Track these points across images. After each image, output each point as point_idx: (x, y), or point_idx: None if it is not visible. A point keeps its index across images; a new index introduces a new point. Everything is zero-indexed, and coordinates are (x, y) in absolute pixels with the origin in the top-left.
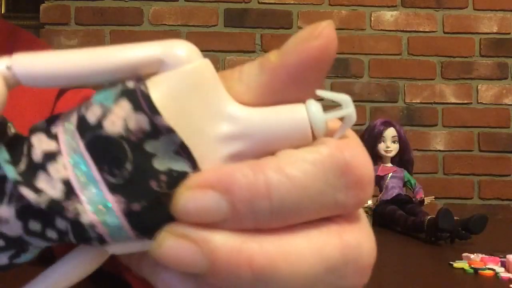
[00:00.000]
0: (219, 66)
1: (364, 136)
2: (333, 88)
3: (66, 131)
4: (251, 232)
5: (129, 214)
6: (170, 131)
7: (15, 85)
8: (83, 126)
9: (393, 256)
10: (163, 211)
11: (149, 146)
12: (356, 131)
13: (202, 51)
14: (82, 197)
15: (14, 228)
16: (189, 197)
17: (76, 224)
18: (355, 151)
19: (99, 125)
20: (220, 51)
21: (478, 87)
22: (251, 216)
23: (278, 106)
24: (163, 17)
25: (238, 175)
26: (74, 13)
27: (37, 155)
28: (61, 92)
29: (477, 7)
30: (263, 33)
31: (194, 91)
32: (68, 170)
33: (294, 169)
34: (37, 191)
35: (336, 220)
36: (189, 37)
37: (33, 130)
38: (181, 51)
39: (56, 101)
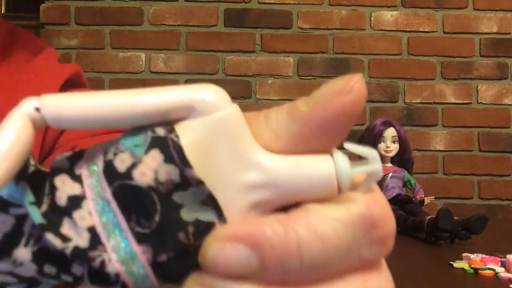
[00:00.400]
0: (219, 66)
1: (364, 136)
2: None
3: (90, 174)
4: (277, 283)
5: (155, 264)
6: (199, 183)
7: (41, 127)
8: (110, 173)
9: (393, 256)
10: (189, 261)
11: (178, 197)
12: (356, 131)
13: (202, 51)
14: (108, 246)
15: (28, 271)
16: (218, 249)
17: (100, 272)
18: (381, 209)
19: (128, 174)
20: (220, 51)
21: (478, 87)
22: (280, 272)
23: (305, 156)
24: (163, 17)
25: (269, 231)
26: (74, 13)
27: (61, 199)
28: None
29: (477, 7)
30: (263, 33)
31: (222, 139)
32: (94, 216)
33: (325, 228)
34: (63, 238)
35: (358, 268)
36: (189, 37)
37: (56, 170)
38: (210, 97)
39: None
